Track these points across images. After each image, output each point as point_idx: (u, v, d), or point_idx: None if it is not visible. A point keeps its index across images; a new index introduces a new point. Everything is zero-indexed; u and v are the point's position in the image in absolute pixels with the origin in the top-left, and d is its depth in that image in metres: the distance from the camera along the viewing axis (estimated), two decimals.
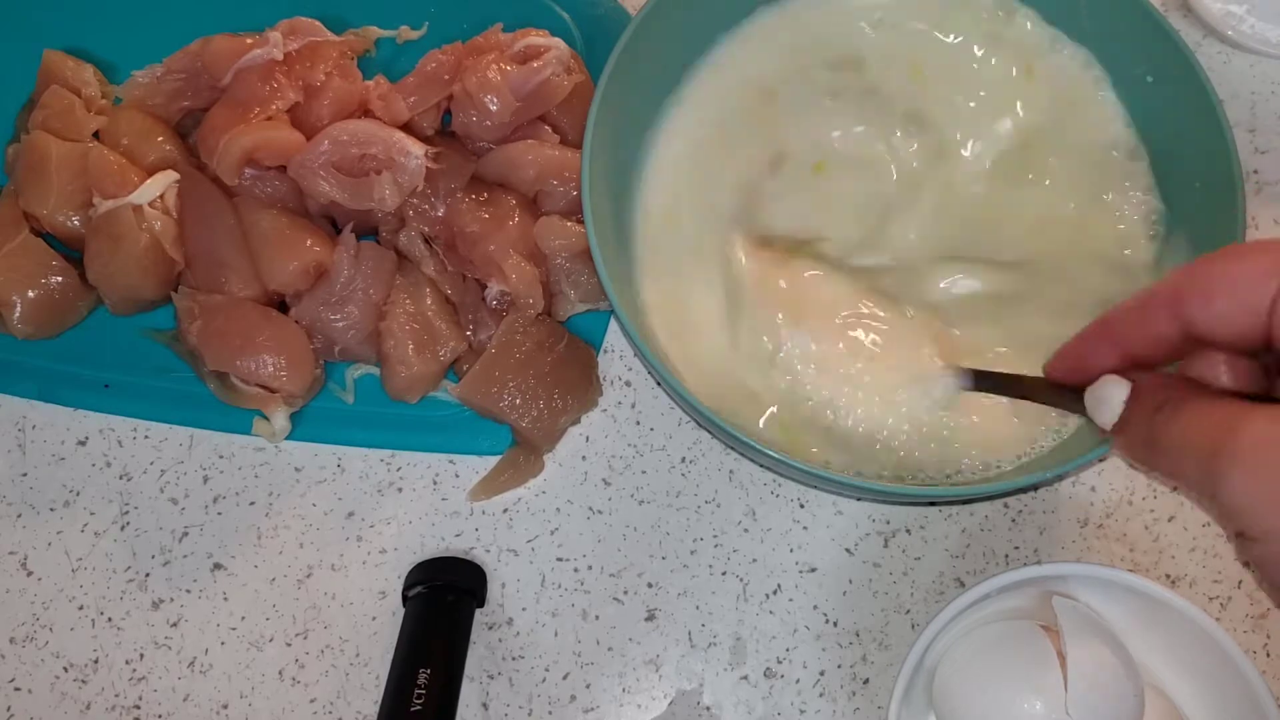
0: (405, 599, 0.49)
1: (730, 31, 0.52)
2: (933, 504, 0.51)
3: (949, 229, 0.49)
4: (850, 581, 0.50)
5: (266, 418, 0.50)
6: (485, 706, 0.48)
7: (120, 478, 0.52)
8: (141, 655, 0.49)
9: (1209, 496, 0.29)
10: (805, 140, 0.51)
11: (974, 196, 0.50)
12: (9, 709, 0.48)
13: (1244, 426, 0.28)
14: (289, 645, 0.49)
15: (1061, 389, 0.36)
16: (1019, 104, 0.51)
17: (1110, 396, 0.32)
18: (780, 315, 0.47)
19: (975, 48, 0.51)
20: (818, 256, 0.49)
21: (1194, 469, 0.29)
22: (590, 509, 0.51)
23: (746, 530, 0.50)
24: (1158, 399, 0.31)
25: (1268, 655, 0.49)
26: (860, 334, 0.47)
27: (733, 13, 0.52)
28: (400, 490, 0.51)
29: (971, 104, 0.51)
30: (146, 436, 0.53)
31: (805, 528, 0.51)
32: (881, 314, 0.47)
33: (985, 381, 0.44)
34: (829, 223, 0.49)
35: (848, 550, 0.50)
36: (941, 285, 0.48)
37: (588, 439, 0.52)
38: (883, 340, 0.47)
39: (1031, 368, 0.39)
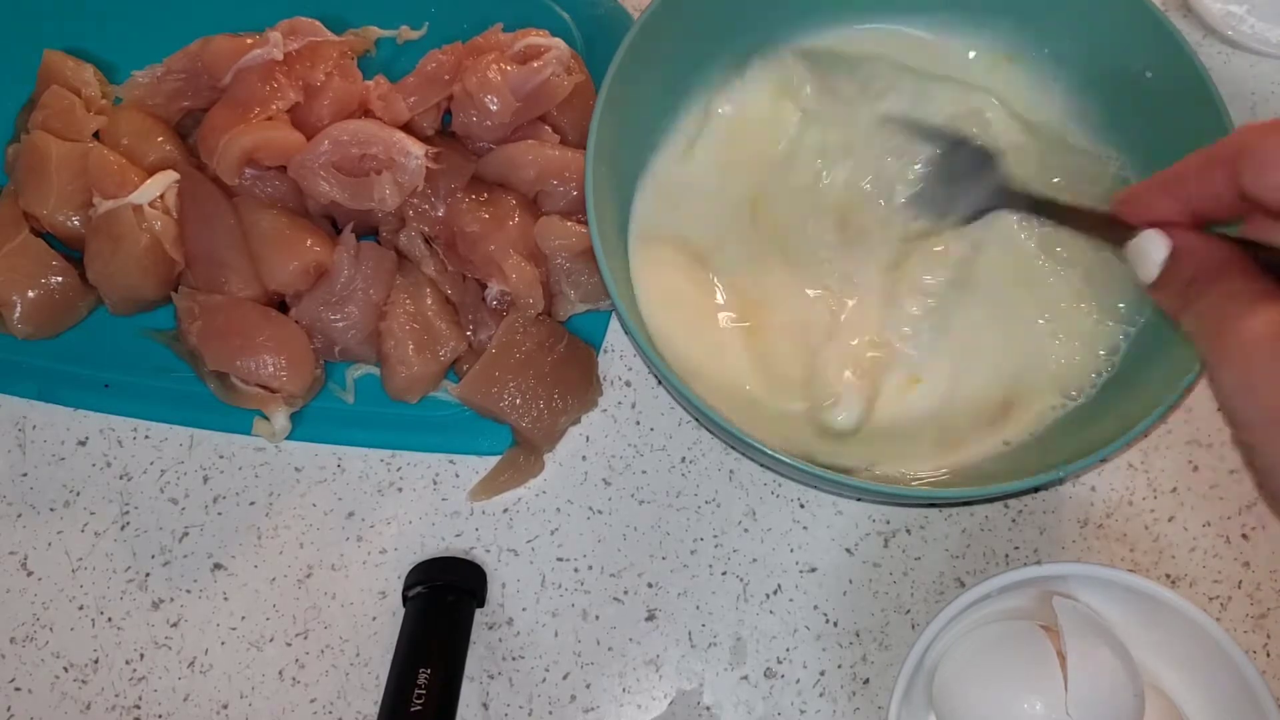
0: (405, 599, 0.49)
1: (734, 36, 0.52)
2: (933, 504, 0.51)
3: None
4: (850, 581, 0.50)
5: (266, 418, 0.50)
6: (485, 706, 0.48)
7: (120, 478, 0.52)
8: (141, 655, 0.49)
9: (1209, 381, 0.30)
10: (811, 141, 0.51)
11: None
12: (9, 709, 0.48)
13: (1241, 321, 0.29)
14: (289, 645, 0.49)
15: (1114, 227, 0.36)
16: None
17: (1149, 253, 0.33)
18: (781, 313, 0.48)
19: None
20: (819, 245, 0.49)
21: (1203, 351, 0.31)
22: (590, 509, 0.51)
23: (746, 530, 0.50)
24: (1195, 265, 0.32)
25: (1268, 655, 0.49)
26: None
27: (737, 18, 0.52)
28: (400, 490, 0.51)
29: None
30: (146, 436, 0.52)
31: (805, 528, 0.51)
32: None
33: (1041, 206, 0.45)
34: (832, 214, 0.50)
35: (848, 550, 0.50)
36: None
37: (588, 439, 0.52)
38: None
39: None
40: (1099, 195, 0.48)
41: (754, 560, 0.50)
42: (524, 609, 0.49)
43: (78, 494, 0.52)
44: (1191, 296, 0.31)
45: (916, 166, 0.49)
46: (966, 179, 0.48)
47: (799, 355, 0.48)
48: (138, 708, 0.49)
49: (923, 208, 0.49)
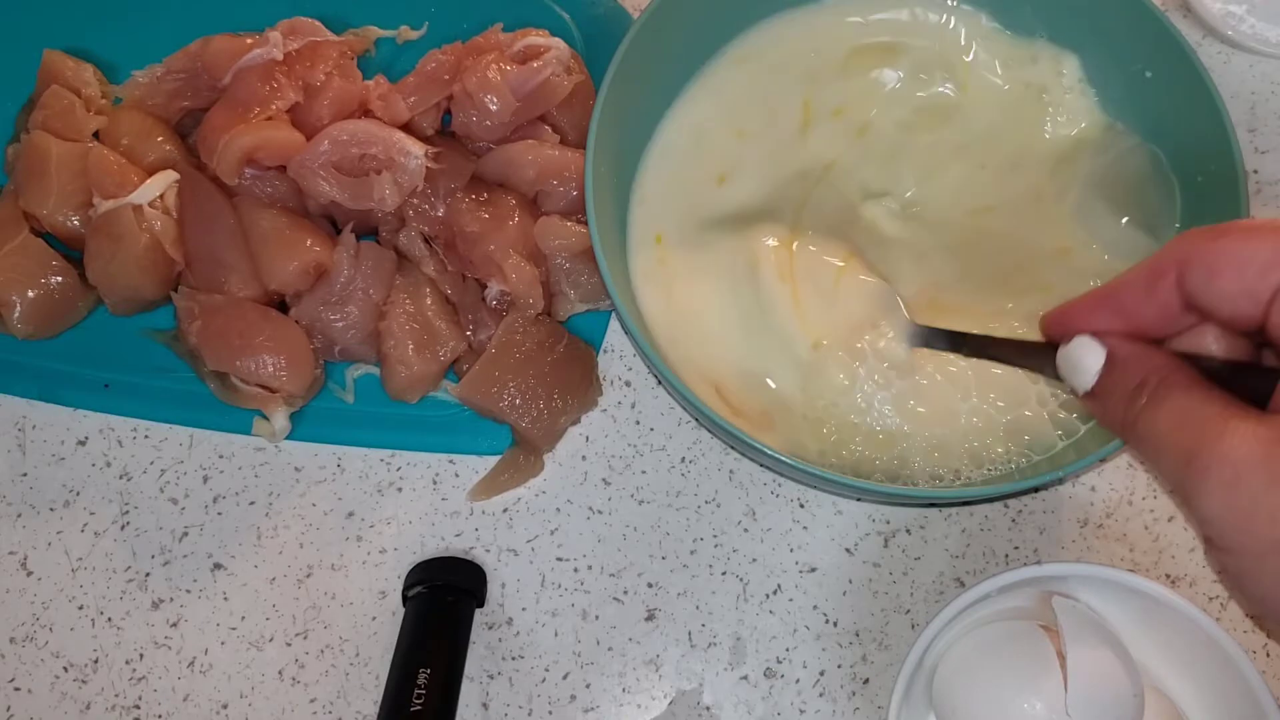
0: (405, 599, 0.49)
1: (734, 35, 0.52)
2: (933, 504, 0.50)
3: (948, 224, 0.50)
4: (850, 581, 0.50)
5: (266, 418, 0.50)
6: (485, 706, 0.48)
7: (120, 478, 0.52)
8: (141, 655, 0.49)
9: (1182, 498, 0.29)
10: (811, 141, 0.51)
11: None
12: (9, 709, 0.48)
13: (1225, 438, 0.27)
14: (289, 645, 0.49)
15: (1035, 349, 0.34)
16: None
17: (1083, 360, 0.31)
18: (782, 308, 0.48)
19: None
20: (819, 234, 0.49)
21: (1170, 468, 0.29)
22: (590, 509, 0.51)
23: (746, 530, 0.50)
24: (1136, 375, 0.30)
25: (1268, 655, 0.49)
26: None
27: (736, 18, 0.52)
28: (400, 490, 0.51)
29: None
30: (146, 436, 0.53)
31: (805, 528, 0.51)
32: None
33: (945, 339, 0.43)
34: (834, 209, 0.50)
35: (848, 550, 0.50)
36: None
37: (588, 439, 0.52)
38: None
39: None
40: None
41: (754, 560, 0.50)
42: (524, 609, 0.49)
43: (78, 494, 0.52)
44: (1139, 411, 0.30)
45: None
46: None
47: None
48: (137, 708, 0.49)
49: None
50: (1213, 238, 0.30)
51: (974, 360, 0.45)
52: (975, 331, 0.42)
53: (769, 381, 0.47)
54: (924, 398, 0.46)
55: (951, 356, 0.46)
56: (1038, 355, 0.35)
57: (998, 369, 0.46)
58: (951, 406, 0.46)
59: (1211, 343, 0.31)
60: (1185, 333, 0.32)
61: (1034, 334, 0.36)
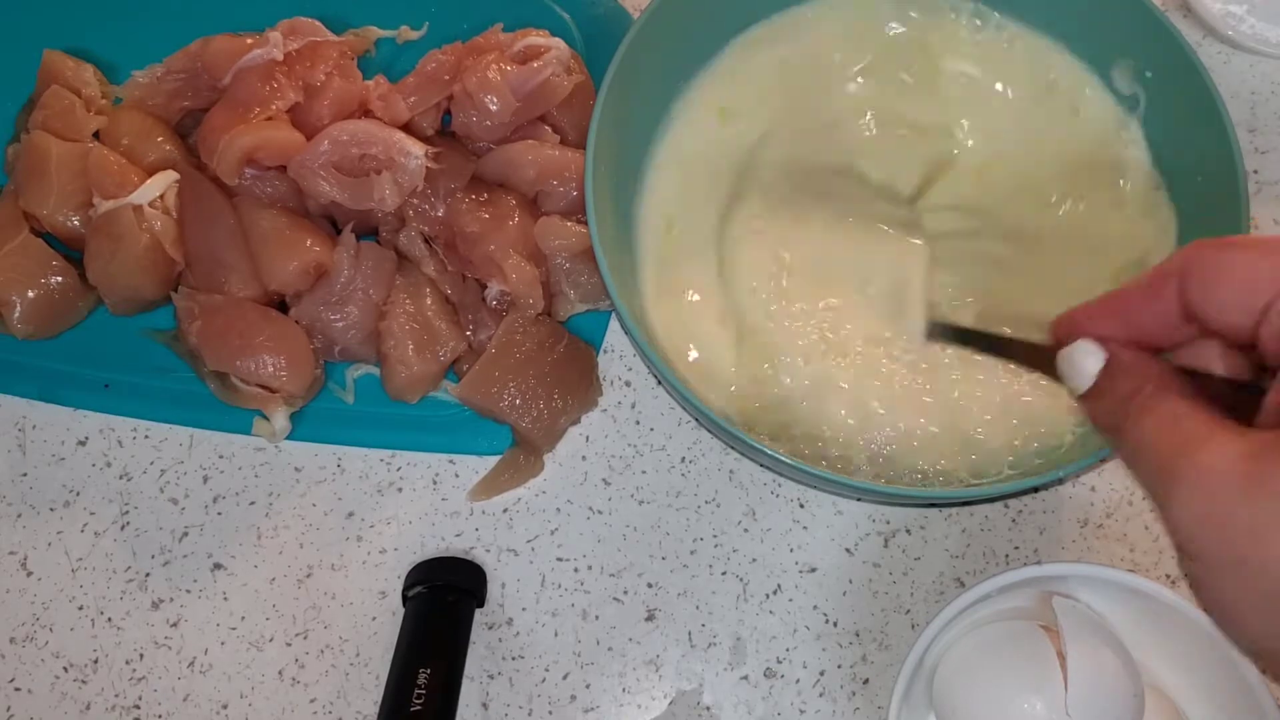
0: (405, 599, 0.49)
1: (733, 37, 0.52)
2: (933, 504, 0.50)
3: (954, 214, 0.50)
4: (850, 581, 0.50)
5: (266, 418, 0.50)
6: (485, 706, 0.48)
7: (120, 478, 0.52)
8: (141, 655, 0.49)
9: (1157, 504, 0.29)
10: (810, 141, 0.51)
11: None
12: (9, 709, 0.48)
13: (1201, 450, 0.28)
14: (289, 645, 0.49)
15: (1040, 351, 0.35)
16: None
17: (1082, 362, 0.32)
18: (783, 305, 0.48)
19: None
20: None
21: (1149, 474, 0.29)
22: (590, 509, 0.51)
23: (746, 530, 0.50)
24: (1132, 383, 0.31)
25: None
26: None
27: (736, 20, 0.52)
28: (400, 490, 0.51)
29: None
30: (146, 436, 0.53)
31: (805, 528, 0.51)
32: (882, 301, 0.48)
33: (954, 335, 0.44)
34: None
35: (848, 550, 0.50)
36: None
37: (588, 439, 0.52)
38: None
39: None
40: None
41: (754, 560, 0.50)
42: (524, 609, 0.49)
43: (78, 494, 0.52)
44: (1130, 415, 0.30)
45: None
46: None
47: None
48: (137, 708, 0.49)
49: None
50: (1217, 248, 0.30)
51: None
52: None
53: (778, 378, 0.47)
54: (922, 401, 0.46)
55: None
56: (1042, 357, 0.35)
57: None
58: (950, 411, 0.47)
59: (1214, 360, 0.32)
60: (1188, 347, 0.32)
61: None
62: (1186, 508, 0.28)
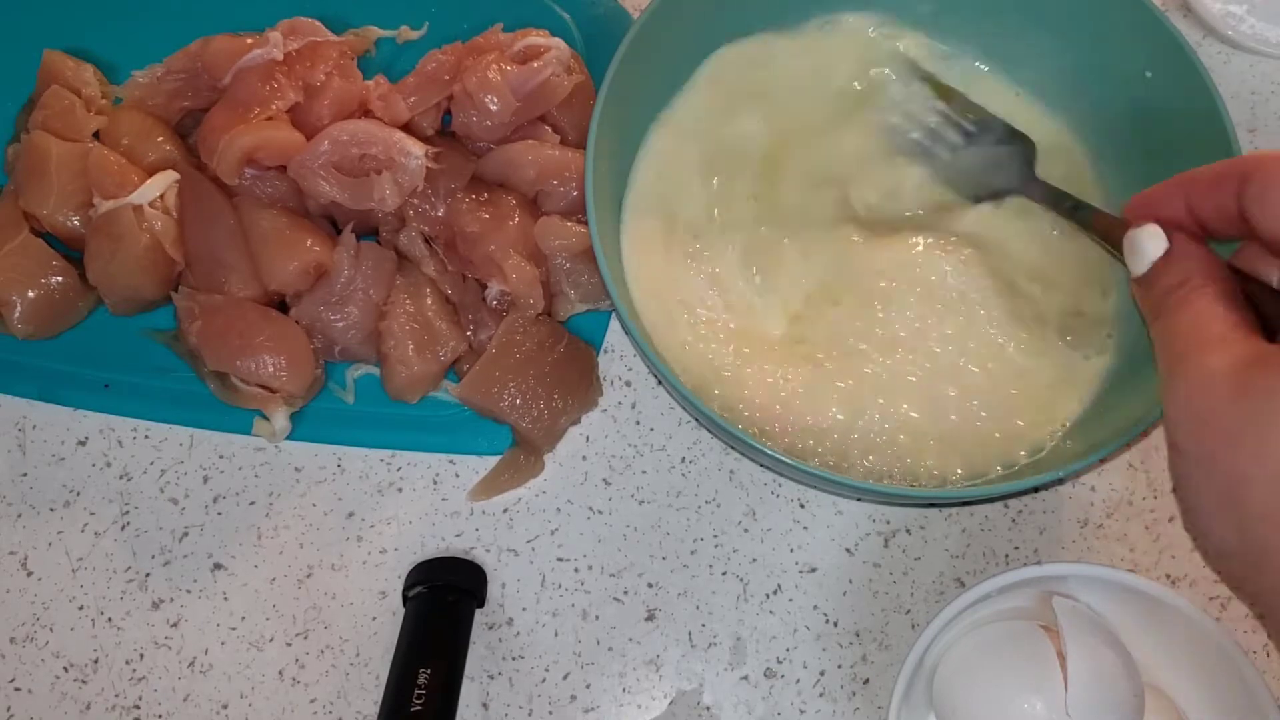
0: (405, 599, 0.49)
1: (735, 36, 0.52)
2: (933, 504, 0.50)
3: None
4: (850, 581, 0.50)
5: (266, 418, 0.50)
6: (485, 706, 0.48)
7: (120, 478, 0.52)
8: (141, 655, 0.49)
9: (1161, 395, 0.31)
10: (806, 143, 0.51)
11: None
12: (9, 709, 0.48)
13: (1209, 350, 0.29)
14: (289, 645, 0.49)
15: (1117, 225, 0.36)
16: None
17: (1145, 246, 0.33)
18: (782, 305, 0.48)
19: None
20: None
21: (1163, 365, 0.31)
22: (590, 509, 0.51)
23: (746, 530, 0.50)
24: (1182, 274, 0.32)
25: (1268, 655, 0.49)
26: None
27: (737, 18, 0.52)
28: (400, 490, 0.51)
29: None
30: (146, 436, 0.53)
31: (805, 528, 0.51)
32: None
33: (1059, 199, 0.46)
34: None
35: (848, 550, 0.50)
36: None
37: (588, 439, 0.52)
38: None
39: None
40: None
41: (754, 560, 0.50)
42: (524, 609, 0.49)
43: (78, 494, 0.52)
44: (1168, 305, 0.31)
45: (931, 121, 0.51)
46: (993, 157, 0.50)
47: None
48: (137, 708, 0.49)
49: (944, 175, 0.50)
50: (1276, 161, 0.31)
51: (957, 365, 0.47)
52: None
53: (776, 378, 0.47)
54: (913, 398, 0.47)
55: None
56: (1117, 231, 0.36)
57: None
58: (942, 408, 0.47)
59: (1271, 268, 0.33)
60: (1249, 247, 0.33)
61: None
62: (1179, 401, 0.29)
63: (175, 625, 0.50)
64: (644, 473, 0.51)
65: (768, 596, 0.50)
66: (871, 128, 0.51)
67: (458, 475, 0.52)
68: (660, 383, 0.52)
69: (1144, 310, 0.33)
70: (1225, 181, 0.32)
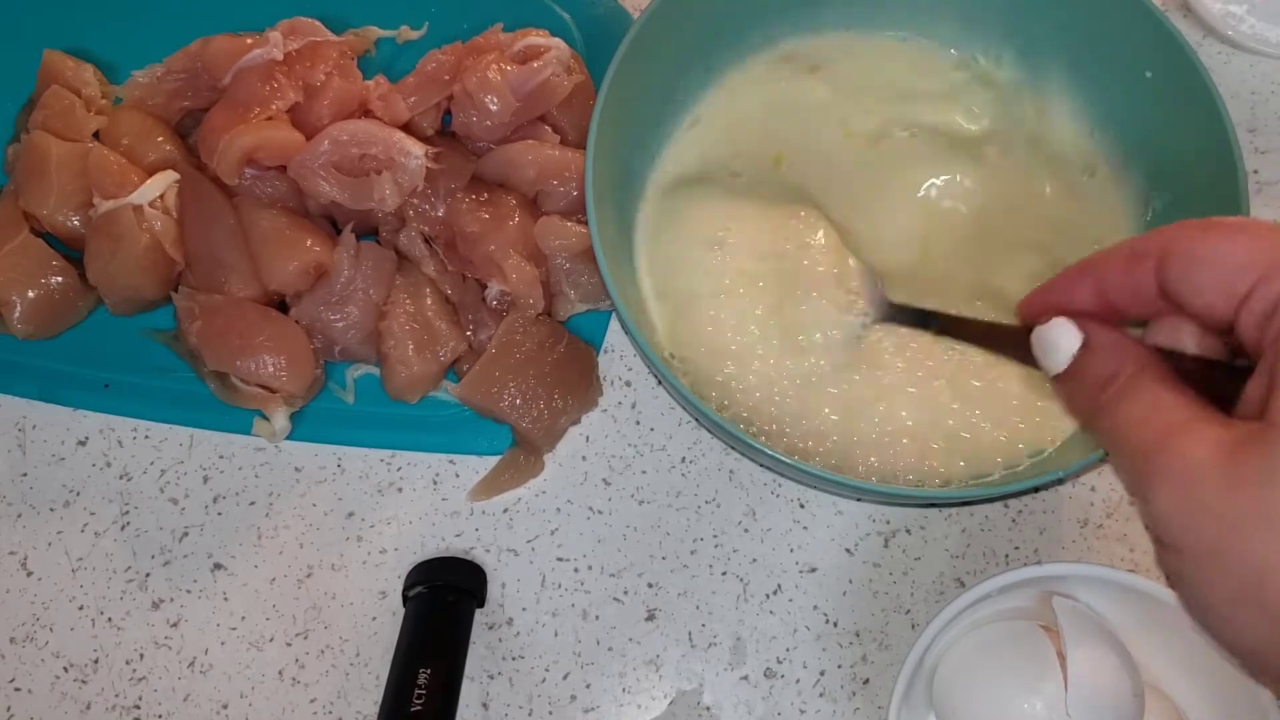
0: (405, 599, 0.49)
1: (735, 36, 0.52)
2: (933, 504, 0.50)
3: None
4: (850, 581, 0.50)
5: (266, 418, 0.50)
6: (485, 706, 0.48)
7: (120, 478, 0.52)
8: (141, 655, 0.49)
9: (1137, 494, 0.29)
10: (806, 140, 0.51)
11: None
12: (9, 709, 0.48)
13: (1186, 438, 0.27)
14: (289, 645, 0.49)
15: (1009, 332, 0.34)
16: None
17: (1060, 341, 0.31)
18: (782, 305, 0.48)
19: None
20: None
21: (1128, 462, 0.29)
22: (590, 509, 0.51)
23: (746, 530, 0.50)
24: (1110, 365, 0.30)
25: None
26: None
27: (737, 19, 0.52)
28: (400, 490, 0.51)
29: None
30: (146, 436, 0.53)
31: (805, 528, 0.51)
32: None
33: (914, 316, 0.43)
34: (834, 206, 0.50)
35: (848, 550, 0.50)
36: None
37: (588, 439, 0.52)
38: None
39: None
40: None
41: (754, 560, 0.50)
42: (524, 609, 0.49)
43: (78, 494, 0.52)
44: (1108, 400, 0.30)
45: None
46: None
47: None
48: (137, 708, 0.49)
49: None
50: (1200, 229, 0.30)
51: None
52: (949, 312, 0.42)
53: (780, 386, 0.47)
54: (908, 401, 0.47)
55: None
56: (1011, 338, 0.34)
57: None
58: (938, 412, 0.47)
59: (1187, 339, 0.31)
60: (1161, 322, 0.32)
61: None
62: (1166, 499, 0.27)
63: (175, 625, 0.50)
64: (644, 473, 0.51)
65: (768, 596, 0.50)
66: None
67: (458, 475, 0.52)
68: (660, 383, 0.52)
69: (1074, 410, 0.31)
70: (1139, 260, 0.30)
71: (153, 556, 0.51)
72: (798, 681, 0.48)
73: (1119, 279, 0.31)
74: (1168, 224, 0.31)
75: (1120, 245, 0.31)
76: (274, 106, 0.51)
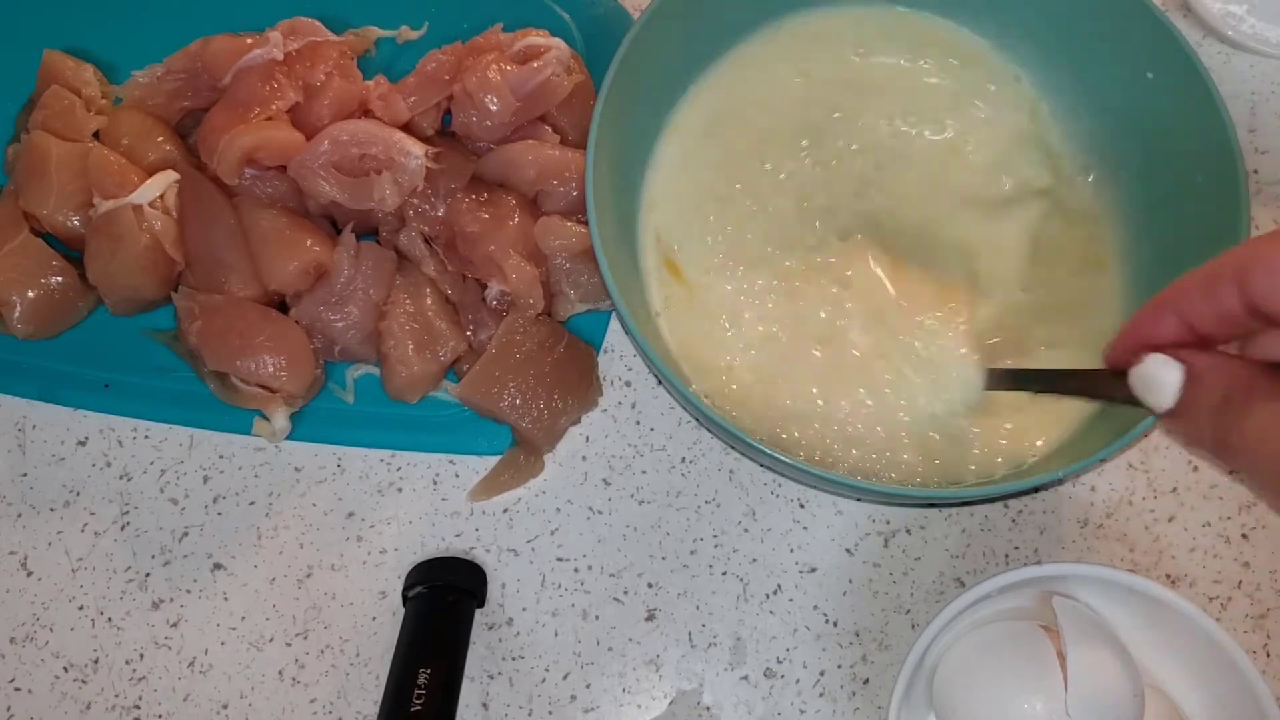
0: (405, 599, 0.49)
1: (736, 36, 0.52)
2: (933, 504, 0.50)
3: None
4: (850, 581, 0.50)
5: (266, 418, 0.50)
6: (485, 706, 0.48)
7: (120, 478, 0.52)
8: (141, 655, 0.49)
9: None
10: (806, 138, 0.51)
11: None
12: (9, 709, 0.49)
13: None
14: (289, 645, 0.49)
15: (1103, 377, 0.34)
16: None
17: (1163, 378, 0.31)
18: (784, 309, 0.48)
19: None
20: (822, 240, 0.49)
21: (1268, 476, 0.28)
22: (590, 509, 0.51)
23: (746, 530, 0.50)
24: (1219, 388, 0.30)
25: (1268, 655, 0.49)
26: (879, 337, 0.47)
27: (737, 19, 0.52)
28: (400, 490, 0.51)
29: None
30: (146, 436, 0.53)
31: (805, 528, 0.51)
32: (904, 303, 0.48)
33: (1010, 379, 0.44)
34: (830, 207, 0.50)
35: (848, 550, 0.50)
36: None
37: (588, 439, 0.52)
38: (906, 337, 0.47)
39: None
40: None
41: (754, 560, 0.50)
42: (524, 609, 0.49)
43: (78, 494, 0.52)
44: (1233, 422, 0.29)
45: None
46: None
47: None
48: (138, 708, 0.49)
49: None
50: (1274, 240, 0.30)
51: None
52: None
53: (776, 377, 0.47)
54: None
55: None
56: (1107, 382, 0.34)
57: None
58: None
59: (1277, 348, 0.31)
60: (1255, 339, 0.32)
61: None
62: None
63: (175, 625, 0.50)
64: (644, 473, 0.51)
65: (768, 596, 0.50)
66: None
67: (458, 475, 0.52)
68: (660, 383, 0.52)
69: (1195, 442, 0.31)
70: (1217, 283, 0.30)
71: (153, 556, 0.51)
72: (798, 681, 0.48)
73: (1200, 307, 0.31)
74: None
75: (1193, 274, 0.31)
76: (274, 106, 0.51)
